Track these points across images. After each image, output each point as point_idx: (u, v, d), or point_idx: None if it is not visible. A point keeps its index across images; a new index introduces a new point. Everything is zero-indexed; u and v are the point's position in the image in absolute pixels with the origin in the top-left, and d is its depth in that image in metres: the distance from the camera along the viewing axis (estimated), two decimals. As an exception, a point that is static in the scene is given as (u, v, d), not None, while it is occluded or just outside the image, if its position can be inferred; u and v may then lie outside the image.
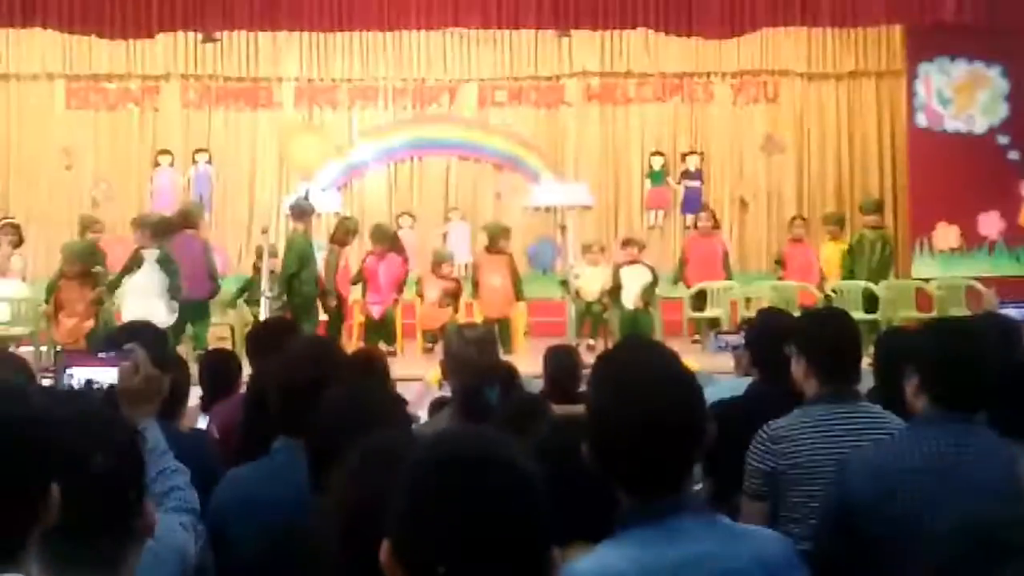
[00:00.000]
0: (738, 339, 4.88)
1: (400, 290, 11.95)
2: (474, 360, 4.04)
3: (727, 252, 12.83)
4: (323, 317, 11.22)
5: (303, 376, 2.99)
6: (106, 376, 2.72)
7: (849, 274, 12.04)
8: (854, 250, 12.13)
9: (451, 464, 1.46)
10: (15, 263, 11.40)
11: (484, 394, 3.20)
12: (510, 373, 3.43)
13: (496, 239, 12.11)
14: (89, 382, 2.71)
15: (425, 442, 1.57)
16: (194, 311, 10.47)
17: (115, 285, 10.24)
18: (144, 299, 9.72)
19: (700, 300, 12.20)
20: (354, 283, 11.83)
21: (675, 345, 9.72)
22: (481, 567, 1.40)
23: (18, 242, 11.71)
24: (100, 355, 2.77)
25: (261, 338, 4.57)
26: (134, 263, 10.17)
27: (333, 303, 11.21)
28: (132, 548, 1.87)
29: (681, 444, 1.97)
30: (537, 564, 1.45)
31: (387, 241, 12.03)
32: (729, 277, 12.45)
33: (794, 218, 13.40)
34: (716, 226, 13.10)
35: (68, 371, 2.73)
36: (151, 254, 10.07)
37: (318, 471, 2.41)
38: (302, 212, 11.35)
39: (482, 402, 3.16)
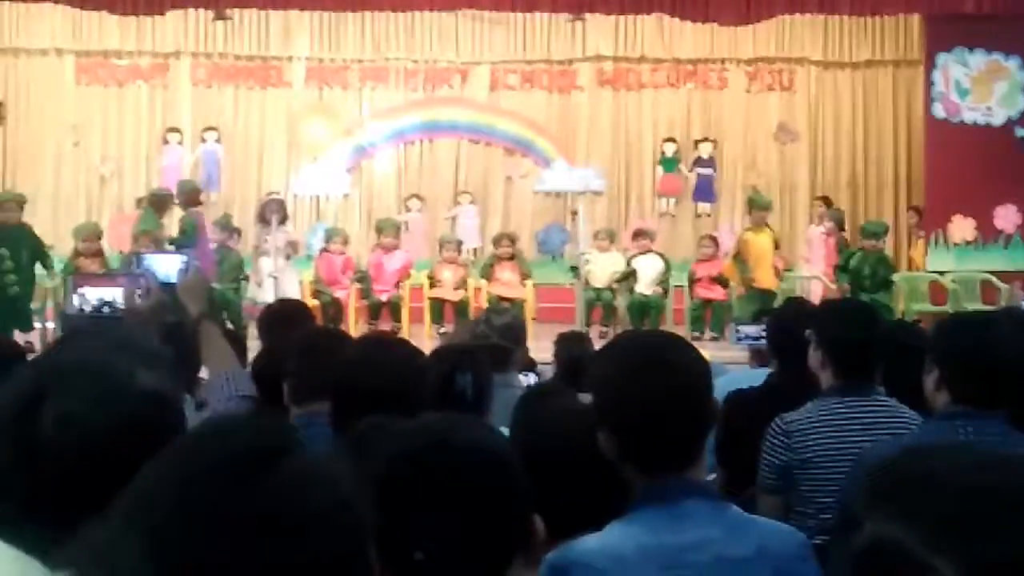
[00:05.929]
0: (758, 331, 4.85)
1: (407, 276, 11.86)
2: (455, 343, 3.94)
3: None
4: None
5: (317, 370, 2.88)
6: (116, 294, 2.71)
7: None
8: (848, 268, 10.90)
9: (418, 451, 1.47)
10: (279, 239, 11.20)
11: (455, 380, 3.06)
12: (483, 359, 3.24)
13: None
14: (103, 302, 2.70)
15: (395, 434, 1.57)
16: None
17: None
18: None
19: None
20: (359, 280, 11.72)
21: (683, 334, 9.50)
22: (457, 548, 1.40)
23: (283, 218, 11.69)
24: (109, 274, 2.77)
25: (273, 320, 4.50)
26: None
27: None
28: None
29: (688, 418, 1.96)
30: (515, 536, 1.46)
31: (394, 234, 11.98)
32: None
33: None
34: None
35: (80, 290, 2.70)
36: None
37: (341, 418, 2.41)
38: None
39: (454, 388, 3.02)
